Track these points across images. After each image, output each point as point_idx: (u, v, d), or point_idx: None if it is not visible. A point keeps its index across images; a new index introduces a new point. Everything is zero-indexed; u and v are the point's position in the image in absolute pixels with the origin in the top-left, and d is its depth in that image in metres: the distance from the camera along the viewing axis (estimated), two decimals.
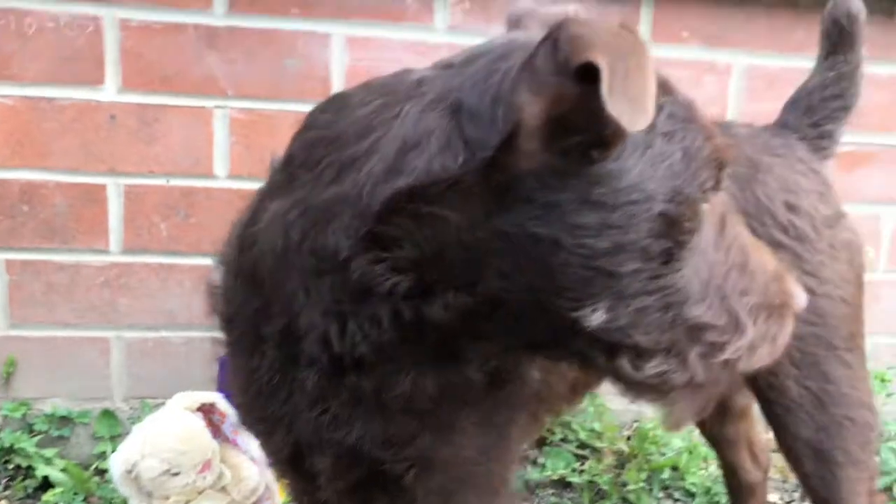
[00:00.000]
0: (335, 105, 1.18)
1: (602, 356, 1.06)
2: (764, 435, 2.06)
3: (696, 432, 2.30)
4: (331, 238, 1.06)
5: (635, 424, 2.73)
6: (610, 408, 2.68)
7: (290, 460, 1.38)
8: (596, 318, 1.01)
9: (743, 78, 2.64)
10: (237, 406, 1.44)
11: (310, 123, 1.19)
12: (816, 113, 1.71)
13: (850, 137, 2.74)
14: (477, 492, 1.33)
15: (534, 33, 0.98)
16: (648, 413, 2.77)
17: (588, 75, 0.88)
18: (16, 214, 2.41)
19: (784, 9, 2.60)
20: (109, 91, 2.37)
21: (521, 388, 1.34)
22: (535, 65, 0.93)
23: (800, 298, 1.16)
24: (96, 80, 2.35)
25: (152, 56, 2.37)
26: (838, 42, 1.68)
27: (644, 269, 1.00)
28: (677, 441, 2.61)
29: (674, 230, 1.00)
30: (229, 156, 2.46)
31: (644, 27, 2.55)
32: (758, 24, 2.62)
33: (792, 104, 1.75)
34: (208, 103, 2.42)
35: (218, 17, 2.37)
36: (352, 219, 1.04)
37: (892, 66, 2.73)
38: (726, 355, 1.08)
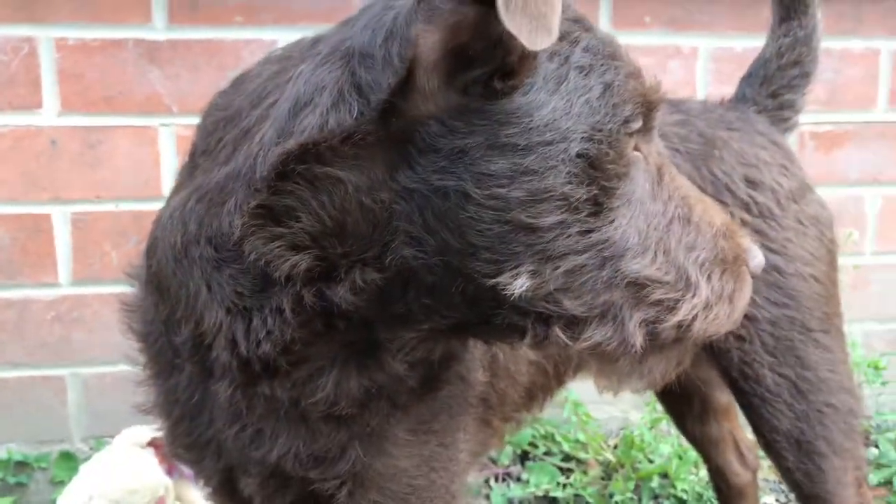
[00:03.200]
0: (234, 84, 1.11)
1: (534, 328, 0.95)
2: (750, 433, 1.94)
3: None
4: (225, 220, 0.97)
5: (622, 432, 2.60)
6: (594, 417, 2.56)
7: (221, 488, 1.27)
8: (519, 284, 0.90)
9: (709, 61, 2.55)
10: (164, 433, 1.33)
11: (210, 108, 1.12)
12: (774, 83, 1.61)
13: (825, 117, 2.66)
14: None
15: None
16: (635, 419, 2.64)
17: None
18: None
19: None
20: (49, 115, 2.27)
21: (462, 391, 1.22)
22: None
23: (755, 255, 1.05)
24: (34, 104, 2.26)
25: (92, 76, 2.27)
26: (791, 6, 1.59)
27: (569, 221, 0.89)
28: (665, 447, 2.48)
29: (597, 174, 0.90)
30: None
31: (604, 14, 2.47)
32: (722, 4, 2.53)
33: (749, 76, 1.66)
34: (153, 122, 2.32)
35: (158, 31, 2.28)
36: (244, 194, 0.94)
37: (865, 40, 2.64)
38: (679, 315, 0.97)
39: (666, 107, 1.48)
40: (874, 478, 2.40)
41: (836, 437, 1.46)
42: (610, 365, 1.02)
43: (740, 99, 1.63)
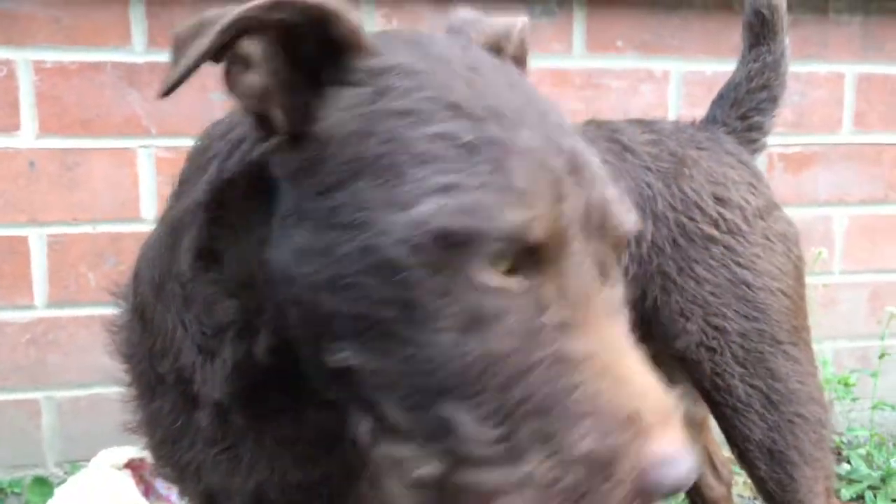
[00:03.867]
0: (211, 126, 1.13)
1: (359, 413, 0.85)
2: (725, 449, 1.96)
3: None
4: (182, 258, 0.95)
5: None
6: None
7: None
8: (341, 357, 0.80)
9: (681, 84, 2.61)
10: (149, 450, 1.33)
11: (201, 135, 1.13)
12: (743, 105, 1.66)
13: (793, 139, 2.73)
14: None
15: None
16: None
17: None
18: None
19: (718, 12, 2.58)
20: (27, 137, 2.28)
21: None
22: None
23: (677, 464, 0.74)
24: (12, 126, 2.26)
25: (70, 98, 2.28)
26: (760, 32, 1.64)
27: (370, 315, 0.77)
28: None
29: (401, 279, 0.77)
30: (157, 197, 2.37)
31: (578, 38, 2.52)
32: (692, 30, 2.60)
33: (719, 99, 1.71)
34: (132, 144, 2.33)
35: (137, 54, 2.30)
36: (193, 232, 0.94)
37: (830, 64, 2.71)
38: (475, 478, 0.74)
39: (639, 126, 1.53)
40: (846, 493, 2.43)
41: (806, 447, 1.49)
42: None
43: (711, 120, 1.68)
